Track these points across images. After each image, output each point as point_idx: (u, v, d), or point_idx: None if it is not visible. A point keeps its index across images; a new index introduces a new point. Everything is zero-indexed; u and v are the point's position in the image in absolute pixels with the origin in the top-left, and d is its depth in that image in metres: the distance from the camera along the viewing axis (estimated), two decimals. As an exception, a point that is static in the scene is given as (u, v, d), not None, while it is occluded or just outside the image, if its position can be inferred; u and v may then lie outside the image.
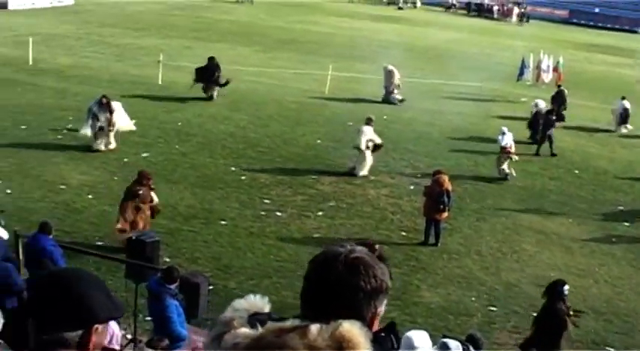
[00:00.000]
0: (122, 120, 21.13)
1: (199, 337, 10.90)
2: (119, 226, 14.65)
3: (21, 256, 11.84)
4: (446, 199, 16.21)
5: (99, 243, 14.91)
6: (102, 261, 12.88)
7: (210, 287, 12.53)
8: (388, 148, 21.11)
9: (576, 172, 22.82)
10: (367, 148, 20.06)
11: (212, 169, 20.03)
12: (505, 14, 69.06)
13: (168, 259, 13.94)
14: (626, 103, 28.39)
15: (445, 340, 8.13)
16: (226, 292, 13.35)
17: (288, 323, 2.03)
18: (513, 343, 12.55)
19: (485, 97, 31.54)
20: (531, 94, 30.55)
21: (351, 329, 1.98)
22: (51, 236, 11.73)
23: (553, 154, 23.96)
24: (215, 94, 27.08)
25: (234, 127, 24.07)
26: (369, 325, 2.14)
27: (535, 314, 12.28)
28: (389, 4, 70.67)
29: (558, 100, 28.40)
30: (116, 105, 20.88)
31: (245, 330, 2.08)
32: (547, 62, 34.82)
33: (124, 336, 10.61)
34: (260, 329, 2.04)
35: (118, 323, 9.68)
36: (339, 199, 18.59)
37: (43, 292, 2.36)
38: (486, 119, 27.51)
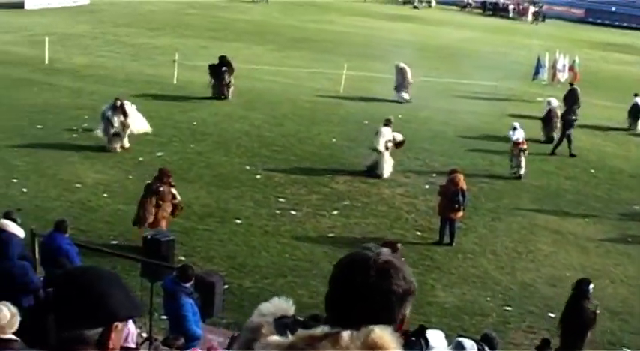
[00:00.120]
0: (137, 122, 20.95)
1: (214, 336, 10.94)
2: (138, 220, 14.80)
3: (37, 255, 11.89)
4: (461, 199, 16.18)
5: (114, 242, 14.98)
6: (117, 259, 12.92)
7: (226, 286, 12.56)
8: (403, 147, 21.06)
9: (592, 171, 22.70)
10: (386, 148, 20.00)
11: (227, 168, 20.06)
12: (520, 13, 68.76)
13: (183, 258, 14.01)
14: (639, 100, 28.08)
15: (460, 339, 8.15)
16: (241, 290, 13.41)
17: (319, 330, 2.01)
18: (529, 343, 12.52)
19: (501, 97, 31.37)
20: (547, 93, 30.33)
21: (383, 335, 1.97)
22: (67, 235, 11.78)
23: (572, 155, 23.73)
24: (230, 93, 27.07)
25: (249, 126, 24.10)
26: (398, 327, 2.12)
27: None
28: (404, 3, 70.42)
29: (571, 98, 28.05)
30: (130, 108, 20.68)
31: (275, 338, 2.06)
32: (563, 61, 34.58)
33: (139, 334, 10.66)
34: (290, 336, 2.02)
35: (134, 321, 9.72)
36: (354, 198, 18.58)
37: (64, 290, 2.38)
38: (501, 118, 27.35)
